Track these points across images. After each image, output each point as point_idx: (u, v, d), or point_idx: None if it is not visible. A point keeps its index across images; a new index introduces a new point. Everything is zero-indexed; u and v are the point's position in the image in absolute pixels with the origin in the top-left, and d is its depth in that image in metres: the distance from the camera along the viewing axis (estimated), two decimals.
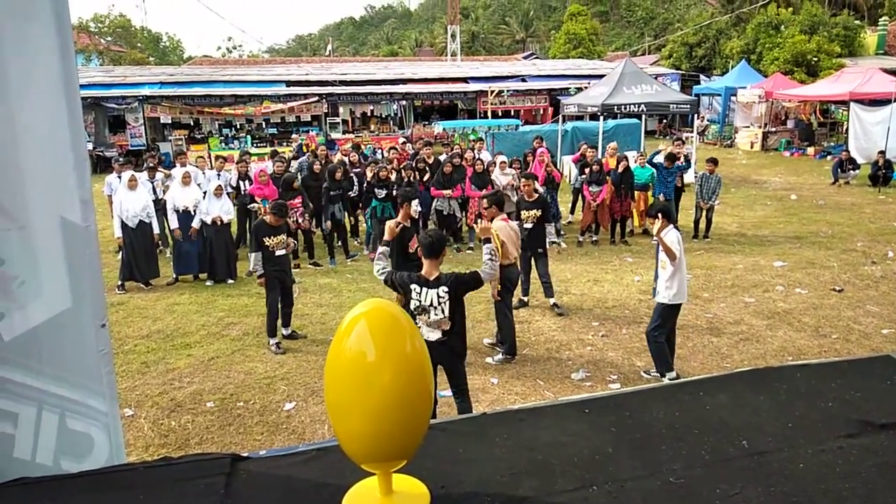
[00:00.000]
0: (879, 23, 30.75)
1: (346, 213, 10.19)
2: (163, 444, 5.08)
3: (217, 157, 11.44)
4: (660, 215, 5.74)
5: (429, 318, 4.57)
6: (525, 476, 2.41)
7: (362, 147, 15.11)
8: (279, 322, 7.00)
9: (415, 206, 6.78)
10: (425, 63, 37.53)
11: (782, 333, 7.01)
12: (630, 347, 6.67)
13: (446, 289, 4.54)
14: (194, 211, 9.09)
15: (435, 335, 4.59)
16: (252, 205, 9.85)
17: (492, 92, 24.95)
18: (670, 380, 5.64)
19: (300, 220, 9.88)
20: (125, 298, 8.66)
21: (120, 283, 8.98)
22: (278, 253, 6.81)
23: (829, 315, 7.50)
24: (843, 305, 7.80)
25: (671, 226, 5.68)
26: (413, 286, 4.61)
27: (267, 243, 6.72)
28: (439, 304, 4.55)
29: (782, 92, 23.74)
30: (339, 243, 10.41)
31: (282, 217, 6.91)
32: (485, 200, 6.89)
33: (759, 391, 2.92)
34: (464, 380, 4.90)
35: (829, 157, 20.40)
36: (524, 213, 7.53)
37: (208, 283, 9.20)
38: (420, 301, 4.57)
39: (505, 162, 10.86)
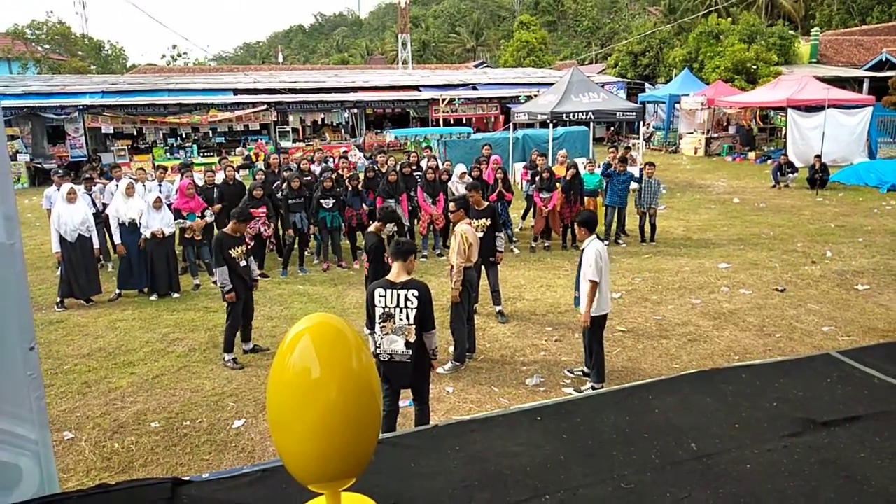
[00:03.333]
0: (812, 33, 32.17)
1: (308, 223, 10.01)
2: (105, 468, 4.86)
3: (157, 167, 11.07)
4: (582, 228, 5.87)
5: (394, 323, 4.50)
6: (477, 488, 2.38)
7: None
8: (238, 338, 6.83)
9: (389, 227, 6.85)
10: (377, 71, 37.45)
11: (728, 333, 7.20)
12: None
13: (416, 293, 4.49)
14: (139, 223, 8.80)
15: (399, 346, 4.50)
16: (178, 220, 9.27)
17: (443, 100, 25.06)
18: (593, 389, 5.78)
19: (262, 230, 9.70)
20: (65, 316, 8.31)
21: (59, 300, 8.61)
22: (242, 264, 6.64)
23: (772, 314, 7.74)
24: (786, 305, 8.06)
25: (593, 236, 5.83)
26: (377, 290, 4.55)
27: (232, 255, 6.54)
28: (406, 306, 4.48)
29: (724, 99, 24.56)
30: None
31: (246, 223, 6.76)
32: (452, 204, 6.95)
33: (706, 393, 2.97)
34: (427, 390, 4.89)
35: (769, 161, 21.19)
36: (474, 222, 7.57)
37: (152, 298, 8.91)
38: (384, 305, 4.50)
39: (465, 172, 10.85)
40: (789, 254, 10.47)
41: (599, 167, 11.90)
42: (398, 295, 4.49)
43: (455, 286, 6.39)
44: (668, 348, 6.85)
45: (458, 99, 26.11)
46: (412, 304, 4.48)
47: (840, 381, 2.95)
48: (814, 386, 2.95)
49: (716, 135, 25.45)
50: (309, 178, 10.69)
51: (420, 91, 26.90)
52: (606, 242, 11.32)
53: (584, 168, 11.73)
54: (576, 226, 6.06)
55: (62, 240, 8.43)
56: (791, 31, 32.32)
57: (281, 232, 10.58)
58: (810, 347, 6.72)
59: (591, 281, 5.64)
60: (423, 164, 11.74)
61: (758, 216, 13.55)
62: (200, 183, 10.24)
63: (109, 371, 6.58)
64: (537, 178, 11.17)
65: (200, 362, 6.74)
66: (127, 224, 8.75)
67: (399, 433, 3.04)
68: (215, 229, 9.58)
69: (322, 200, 9.83)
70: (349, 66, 49.53)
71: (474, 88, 27.90)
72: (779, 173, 17.11)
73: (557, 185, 10.98)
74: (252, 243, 8.83)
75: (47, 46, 42.70)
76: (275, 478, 2.44)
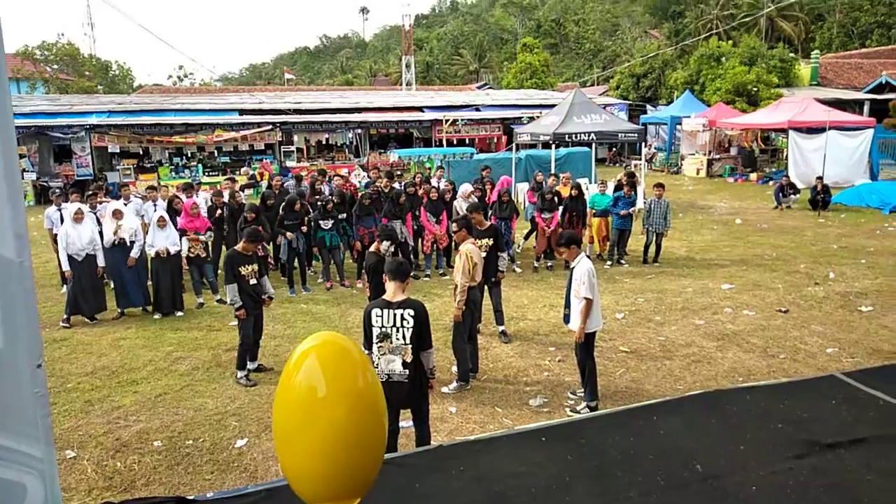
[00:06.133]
0: (812, 56, 32.43)
1: (307, 243, 10.06)
2: (107, 487, 4.83)
3: (149, 188, 11.07)
4: (571, 245, 5.93)
5: (391, 343, 4.50)
6: None
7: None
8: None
9: (385, 246, 6.89)
10: (381, 92, 37.78)
11: (732, 354, 7.17)
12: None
13: (412, 312, 4.50)
14: (130, 243, 8.82)
15: (397, 366, 4.51)
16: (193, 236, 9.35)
17: (447, 121, 25.23)
18: (591, 410, 5.77)
19: (258, 250, 9.75)
20: (68, 334, 8.31)
21: (65, 317, 8.63)
22: (252, 282, 6.67)
23: (776, 335, 7.72)
24: (789, 326, 8.04)
25: (582, 254, 5.93)
26: (374, 311, 4.56)
27: (243, 273, 6.58)
28: (402, 325, 4.48)
29: (725, 121, 24.72)
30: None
31: (257, 243, 6.81)
32: (454, 224, 7.00)
33: (710, 414, 2.96)
34: (426, 410, 4.88)
35: (770, 183, 21.24)
36: (477, 242, 7.60)
37: (156, 317, 8.92)
38: (381, 325, 4.51)
39: (468, 192, 10.92)
40: (792, 275, 10.46)
41: (607, 187, 12.02)
42: (395, 314, 4.50)
43: (458, 305, 6.40)
44: (671, 369, 6.83)
45: (462, 120, 26.30)
46: (409, 323, 4.48)
47: (845, 403, 2.95)
48: (819, 407, 2.94)
49: (717, 156, 25.57)
50: (318, 197, 10.74)
51: (423, 112, 27.12)
52: (609, 263, 11.35)
53: (598, 189, 11.84)
54: (562, 248, 6.07)
55: (71, 259, 8.48)
56: (791, 54, 32.61)
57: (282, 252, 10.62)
58: (814, 369, 6.69)
59: (585, 298, 5.67)
60: (434, 181, 11.96)
61: (760, 237, 13.56)
62: (203, 203, 10.29)
63: (112, 389, 6.57)
64: (538, 199, 11.25)
65: (203, 381, 6.73)
66: (116, 244, 8.78)
67: (403, 453, 3.04)
68: (223, 248, 9.63)
69: (321, 222, 9.92)
70: (354, 88, 49.97)
71: (477, 109, 28.13)
72: (781, 194, 17.15)
73: (559, 205, 11.08)
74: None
75: (55, 66, 43.19)
76: (279, 497, 2.43)
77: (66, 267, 8.51)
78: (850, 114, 23.57)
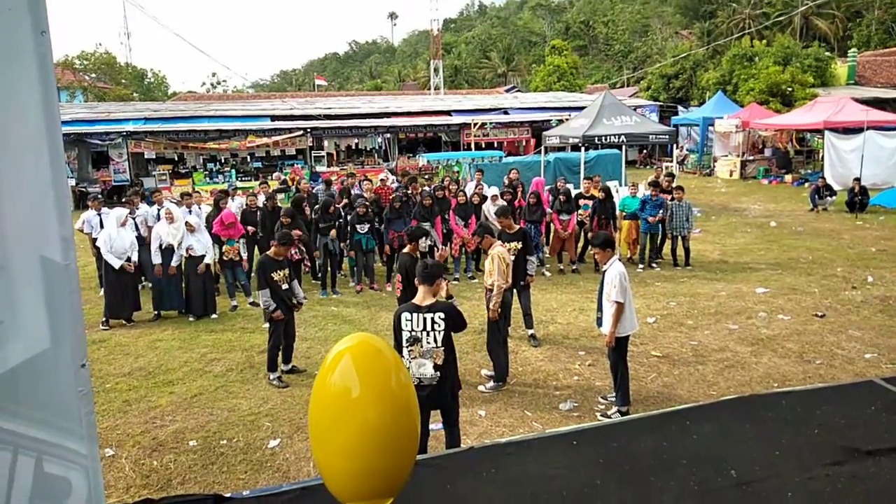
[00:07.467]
0: (849, 54, 31.67)
1: (339, 245, 10.21)
2: (144, 485, 4.95)
3: (183, 194, 11.22)
4: (606, 248, 5.90)
5: (421, 347, 4.53)
6: None
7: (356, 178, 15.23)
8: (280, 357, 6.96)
9: (422, 244, 6.94)
10: (409, 97, 37.97)
11: (767, 360, 7.05)
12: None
13: (443, 315, 4.53)
14: (168, 248, 9.03)
15: (428, 369, 4.53)
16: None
17: (475, 124, 25.24)
18: (622, 415, 5.71)
19: (293, 252, 9.87)
20: (107, 336, 8.53)
21: (104, 318, 8.87)
22: (284, 287, 6.79)
23: (812, 341, 7.56)
24: (826, 331, 7.86)
25: (615, 257, 5.89)
26: (403, 314, 4.59)
27: (276, 278, 6.70)
28: (433, 329, 4.51)
29: (759, 121, 24.26)
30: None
31: (288, 246, 6.93)
32: (475, 236, 7.03)
33: (745, 419, 2.92)
34: (456, 413, 4.89)
35: (806, 185, 20.80)
36: (506, 245, 7.59)
37: (191, 319, 9.10)
38: (411, 329, 4.54)
39: (497, 195, 10.95)
40: (829, 279, 10.23)
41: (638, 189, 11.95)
42: (425, 318, 4.52)
43: (494, 306, 6.42)
44: (704, 374, 6.73)
45: (490, 123, 26.27)
46: (440, 326, 4.51)
47: (885, 409, 2.88)
48: (857, 414, 2.88)
49: (751, 157, 25.11)
50: (349, 200, 10.87)
51: (451, 116, 27.17)
52: (641, 267, 11.24)
53: (628, 191, 11.79)
54: (597, 249, 6.03)
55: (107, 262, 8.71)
56: (827, 53, 31.88)
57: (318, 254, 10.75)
58: (852, 375, 6.53)
59: (616, 302, 5.63)
60: (472, 185, 11.95)
61: (796, 240, 13.29)
62: (238, 209, 10.46)
63: (149, 390, 6.72)
64: (555, 201, 11.26)
65: (237, 382, 6.85)
66: (164, 248, 8.99)
67: (435, 454, 3.05)
68: (256, 252, 9.78)
69: (357, 226, 10.03)
70: (382, 93, 50.33)
71: (505, 113, 28.07)
72: (816, 196, 16.79)
73: (585, 207, 11.07)
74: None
75: (94, 75, 44.39)
76: (314, 496, 2.47)
77: (116, 265, 8.71)
78: (889, 113, 22.92)
